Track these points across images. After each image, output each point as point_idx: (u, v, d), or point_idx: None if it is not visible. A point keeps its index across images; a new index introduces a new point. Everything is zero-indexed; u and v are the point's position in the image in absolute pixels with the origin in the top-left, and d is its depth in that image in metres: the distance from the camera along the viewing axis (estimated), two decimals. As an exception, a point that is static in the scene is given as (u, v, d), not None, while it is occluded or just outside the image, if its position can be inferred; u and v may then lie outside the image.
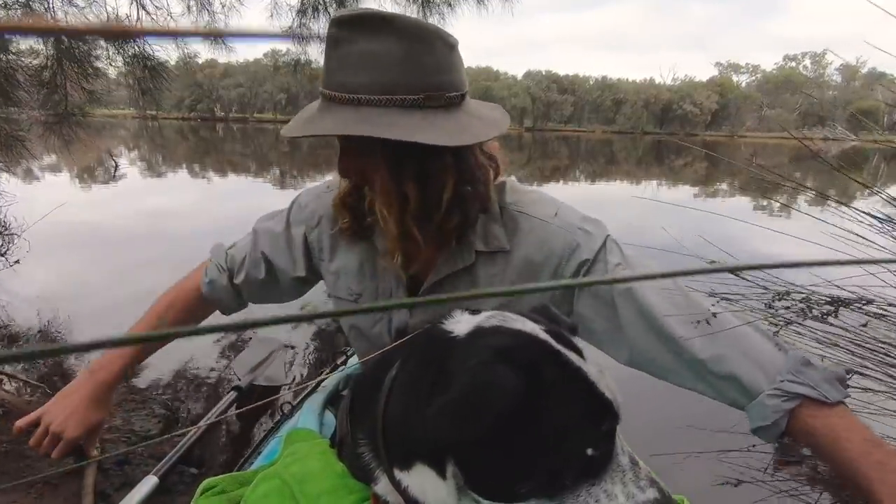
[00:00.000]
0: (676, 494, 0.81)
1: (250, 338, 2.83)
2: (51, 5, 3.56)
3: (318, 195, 1.19)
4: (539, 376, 0.60)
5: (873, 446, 0.74)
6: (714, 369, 0.89)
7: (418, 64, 0.87)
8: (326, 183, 1.20)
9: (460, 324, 0.71)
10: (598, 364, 0.65)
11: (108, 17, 3.95)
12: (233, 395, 1.96)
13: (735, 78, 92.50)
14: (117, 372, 1.18)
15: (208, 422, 1.73)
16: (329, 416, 1.19)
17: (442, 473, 0.64)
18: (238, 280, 1.25)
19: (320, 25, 5.23)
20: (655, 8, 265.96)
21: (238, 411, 2.04)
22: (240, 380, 2.09)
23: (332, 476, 0.83)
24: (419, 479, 0.67)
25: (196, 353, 2.90)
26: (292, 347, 3.08)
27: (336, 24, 0.88)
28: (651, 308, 0.95)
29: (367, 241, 1.12)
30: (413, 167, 0.92)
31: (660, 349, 0.95)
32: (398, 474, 0.69)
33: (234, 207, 8.29)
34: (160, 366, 2.70)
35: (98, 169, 12.56)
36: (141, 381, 2.58)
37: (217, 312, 1.36)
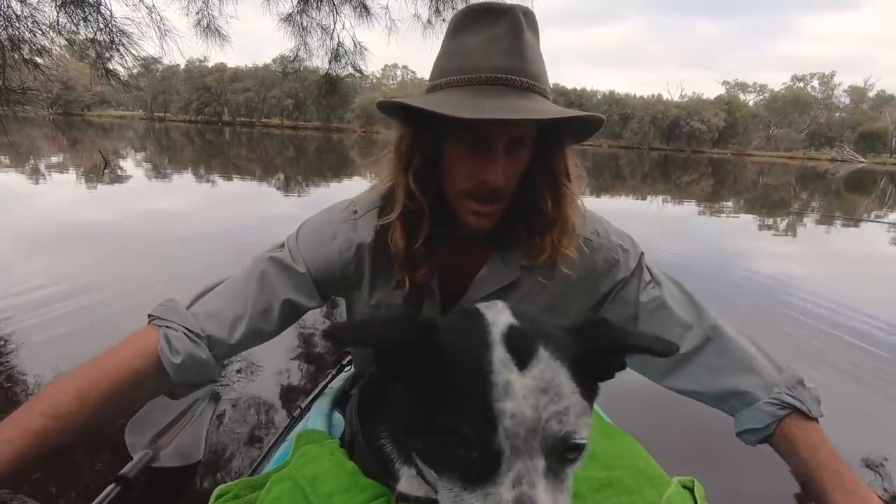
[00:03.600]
0: (686, 476, 0.87)
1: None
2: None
3: (346, 221, 1.06)
4: (440, 341, 0.62)
5: (836, 461, 0.88)
6: (719, 379, 1.00)
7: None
8: (350, 208, 1.09)
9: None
10: (544, 384, 0.57)
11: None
12: (114, 490, 1.29)
13: (742, 97, 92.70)
14: None
15: None
16: (337, 417, 1.18)
17: None
18: (233, 340, 1.00)
19: (322, 14, 5.07)
20: (662, 26, 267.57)
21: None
22: (132, 456, 1.44)
23: (344, 475, 0.82)
24: None
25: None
26: (218, 397, 2.25)
27: (522, 13, 0.90)
28: (668, 325, 1.03)
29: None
30: (548, 165, 0.98)
31: (669, 362, 1.04)
32: None
33: (228, 213, 8.27)
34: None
35: (84, 167, 12.46)
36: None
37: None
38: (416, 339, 0.62)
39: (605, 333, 0.65)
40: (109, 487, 1.29)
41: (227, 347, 1.00)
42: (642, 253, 1.09)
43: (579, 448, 0.57)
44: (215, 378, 1.03)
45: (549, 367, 0.58)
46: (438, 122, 0.89)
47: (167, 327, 0.95)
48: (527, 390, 0.56)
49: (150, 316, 0.99)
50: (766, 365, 0.99)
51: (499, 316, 0.64)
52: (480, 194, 0.93)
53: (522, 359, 0.58)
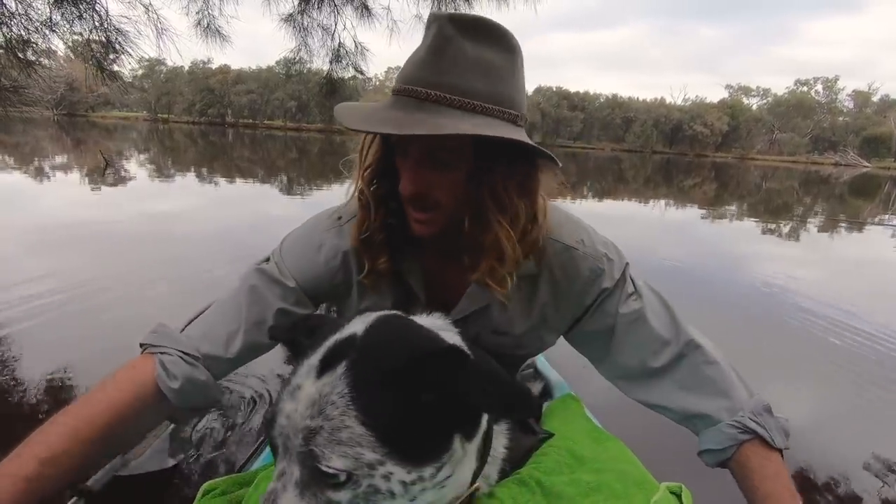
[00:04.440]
0: (674, 482, 0.86)
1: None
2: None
3: (331, 229, 1.06)
4: (302, 344, 0.70)
5: (788, 495, 0.87)
6: (686, 398, 1.00)
7: (522, 82, 0.91)
8: (335, 216, 1.09)
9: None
10: (318, 394, 0.59)
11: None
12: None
13: (745, 100, 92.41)
14: None
15: None
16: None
17: None
18: (230, 355, 0.99)
19: (323, 15, 4.95)
20: (664, 30, 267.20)
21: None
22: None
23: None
24: None
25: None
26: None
27: (449, 20, 0.84)
28: (644, 339, 1.02)
29: (400, 283, 1.06)
30: (493, 189, 0.90)
31: (640, 374, 1.04)
32: None
33: (230, 213, 8.26)
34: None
35: (87, 167, 12.47)
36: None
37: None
38: (292, 339, 0.74)
39: (441, 374, 0.60)
40: (70, 502, 1.19)
41: (225, 364, 1.00)
42: (627, 263, 1.07)
43: (335, 476, 0.57)
44: (218, 398, 1.01)
45: (332, 384, 0.59)
46: None
47: (161, 353, 0.94)
48: (307, 398, 0.59)
49: (142, 345, 0.97)
50: (736, 388, 0.98)
51: (353, 326, 0.67)
52: (407, 201, 0.93)
53: (324, 369, 0.61)
